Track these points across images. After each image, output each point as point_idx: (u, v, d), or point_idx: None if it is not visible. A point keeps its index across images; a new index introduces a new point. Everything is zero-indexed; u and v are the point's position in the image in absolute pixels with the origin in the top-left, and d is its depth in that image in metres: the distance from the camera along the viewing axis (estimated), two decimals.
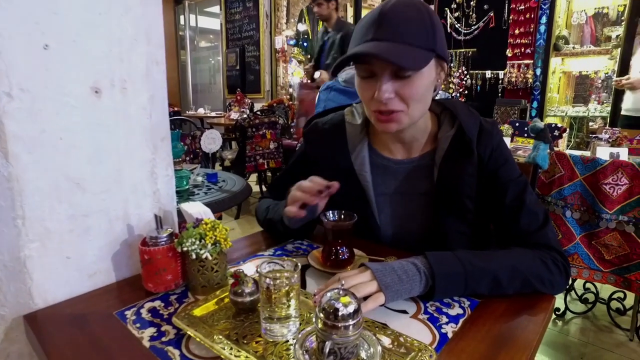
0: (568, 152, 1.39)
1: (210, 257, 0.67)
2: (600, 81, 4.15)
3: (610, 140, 1.92)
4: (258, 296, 0.60)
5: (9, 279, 0.64)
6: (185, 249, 0.66)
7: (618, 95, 3.35)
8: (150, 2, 0.73)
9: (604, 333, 1.86)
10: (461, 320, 0.62)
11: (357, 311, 0.47)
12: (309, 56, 5.96)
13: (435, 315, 0.63)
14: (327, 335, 0.47)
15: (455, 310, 0.64)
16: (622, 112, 3.12)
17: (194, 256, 0.66)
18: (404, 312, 0.64)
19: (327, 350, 0.47)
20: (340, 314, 0.47)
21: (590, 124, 4.00)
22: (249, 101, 5.20)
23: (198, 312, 0.61)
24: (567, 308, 1.97)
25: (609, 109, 3.47)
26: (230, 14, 6.02)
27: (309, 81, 3.94)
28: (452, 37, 3.87)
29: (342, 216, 0.78)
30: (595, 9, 3.71)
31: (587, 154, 1.95)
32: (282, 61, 5.68)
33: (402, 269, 0.65)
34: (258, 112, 3.55)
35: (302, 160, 0.98)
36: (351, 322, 0.47)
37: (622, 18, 3.51)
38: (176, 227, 0.86)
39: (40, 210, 0.65)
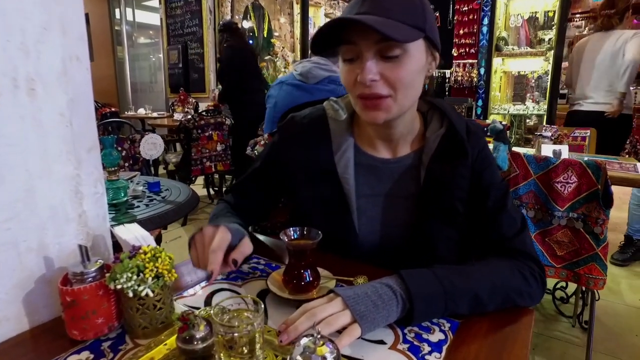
0: (522, 151, 1.40)
1: (151, 294, 0.56)
2: (534, 81, 4.42)
3: (553, 138, 2.01)
4: (212, 340, 0.50)
5: None
6: (119, 286, 0.54)
7: (552, 94, 3.57)
8: None
9: (550, 322, 1.97)
10: (444, 348, 0.56)
11: None
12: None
13: (415, 343, 0.56)
14: None
15: (436, 336, 0.58)
16: (575, 107, 2.72)
17: (130, 294, 0.55)
18: (382, 342, 0.56)
19: None
20: None
21: (527, 121, 4.25)
22: (194, 101, 4.95)
23: None
24: None
25: (545, 107, 3.69)
26: (170, 8, 5.68)
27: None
28: None
29: (305, 233, 0.69)
30: (530, 13, 3.94)
31: (532, 151, 2.02)
32: None
33: (376, 294, 0.58)
34: (203, 113, 3.36)
35: (273, 156, 0.88)
36: None
37: (553, 23, 3.75)
38: (110, 254, 0.73)
39: None
